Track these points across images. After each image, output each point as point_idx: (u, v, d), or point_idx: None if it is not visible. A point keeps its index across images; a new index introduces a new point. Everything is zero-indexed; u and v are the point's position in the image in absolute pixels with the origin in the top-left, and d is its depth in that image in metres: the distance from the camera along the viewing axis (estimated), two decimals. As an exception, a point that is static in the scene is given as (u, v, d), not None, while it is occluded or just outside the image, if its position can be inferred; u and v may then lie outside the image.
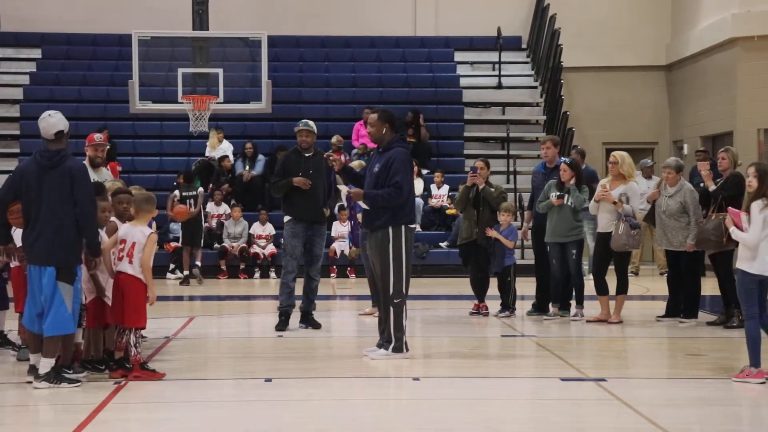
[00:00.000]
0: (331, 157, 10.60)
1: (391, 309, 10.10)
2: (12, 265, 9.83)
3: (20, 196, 8.95)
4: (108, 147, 11.47)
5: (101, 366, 9.34)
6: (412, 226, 10.26)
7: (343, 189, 11.01)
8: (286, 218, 12.29)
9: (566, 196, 12.97)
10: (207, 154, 22.28)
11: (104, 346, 9.44)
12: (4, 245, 9.30)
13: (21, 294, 9.52)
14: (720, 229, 12.21)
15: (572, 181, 13.00)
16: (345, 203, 11.82)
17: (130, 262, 9.16)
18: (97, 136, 11.18)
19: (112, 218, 9.45)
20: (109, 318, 9.41)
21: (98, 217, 9.28)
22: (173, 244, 20.12)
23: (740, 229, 9.12)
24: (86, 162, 10.89)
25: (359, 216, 10.85)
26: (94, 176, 10.56)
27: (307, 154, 12.26)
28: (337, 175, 11.82)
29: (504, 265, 13.52)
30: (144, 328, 9.35)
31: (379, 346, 10.25)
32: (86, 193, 8.87)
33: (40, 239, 8.80)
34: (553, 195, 12.99)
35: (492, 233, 13.35)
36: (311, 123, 12.44)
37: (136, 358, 9.13)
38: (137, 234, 9.21)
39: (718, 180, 12.65)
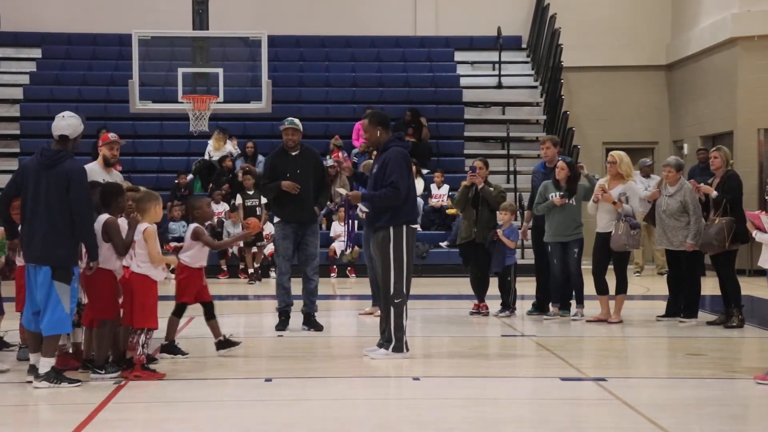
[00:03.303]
0: (342, 165, 10.56)
1: (392, 309, 10.09)
2: (18, 264, 9.83)
3: (21, 192, 8.97)
4: (122, 144, 11.42)
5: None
6: (414, 226, 10.22)
7: (342, 191, 10.97)
8: (276, 219, 12.27)
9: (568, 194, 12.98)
10: (210, 154, 22.28)
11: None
12: (10, 240, 9.32)
13: (23, 293, 9.55)
14: (722, 234, 12.21)
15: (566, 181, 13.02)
16: (344, 204, 11.79)
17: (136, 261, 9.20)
18: (111, 135, 11.12)
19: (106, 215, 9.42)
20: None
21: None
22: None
23: (763, 230, 9.13)
24: (99, 162, 10.87)
25: (360, 213, 10.81)
26: (106, 176, 10.55)
27: (293, 153, 12.13)
28: (340, 177, 11.80)
29: (504, 265, 13.52)
30: (155, 328, 9.34)
31: (380, 345, 10.25)
32: (81, 196, 8.85)
33: (35, 238, 8.81)
34: (556, 195, 12.97)
35: (500, 235, 13.33)
36: (297, 121, 12.29)
37: (139, 358, 9.12)
38: (135, 233, 9.23)
39: (709, 180, 12.67)
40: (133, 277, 9.18)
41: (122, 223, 9.34)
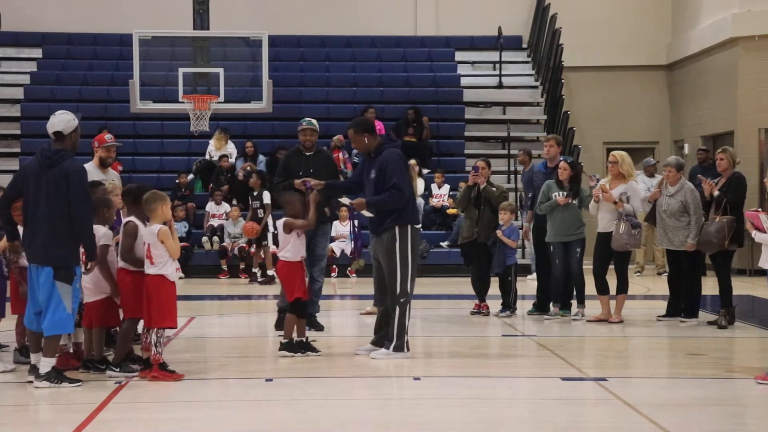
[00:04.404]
0: (312, 183, 10.50)
1: (397, 308, 10.11)
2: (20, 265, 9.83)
3: (22, 193, 8.98)
4: (119, 145, 11.49)
5: (102, 366, 9.36)
6: (417, 226, 10.27)
7: (345, 201, 10.96)
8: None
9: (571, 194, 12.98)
10: (211, 154, 22.28)
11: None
12: (11, 243, 9.32)
13: (16, 294, 9.64)
14: (722, 232, 12.21)
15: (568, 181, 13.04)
16: (347, 213, 11.78)
17: (152, 263, 9.13)
18: (108, 137, 11.19)
19: (132, 218, 9.44)
20: (113, 319, 9.50)
21: (108, 215, 9.38)
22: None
23: (763, 230, 9.14)
24: (96, 162, 10.92)
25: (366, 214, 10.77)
26: (102, 176, 10.59)
27: (308, 153, 12.16)
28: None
29: (505, 265, 13.53)
30: (173, 327, 9.33)
31: (373, 344, 10.31)
32: (81, 195, 8.84)
33: (36, 238, 8.81)
34: (559, 194, 12.97)
35: (500, 236, 13.34)
36: (314, 122, 12.29)
37: (156, 357, 9.10)
38: (148, 235, 9.20)
39: (715, 180, 12.68)
40: (151, 279, 9.14)
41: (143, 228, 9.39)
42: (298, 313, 10.32)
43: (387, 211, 10.12)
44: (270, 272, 18.87)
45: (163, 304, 9.11)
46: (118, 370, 9.21)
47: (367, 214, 10.39)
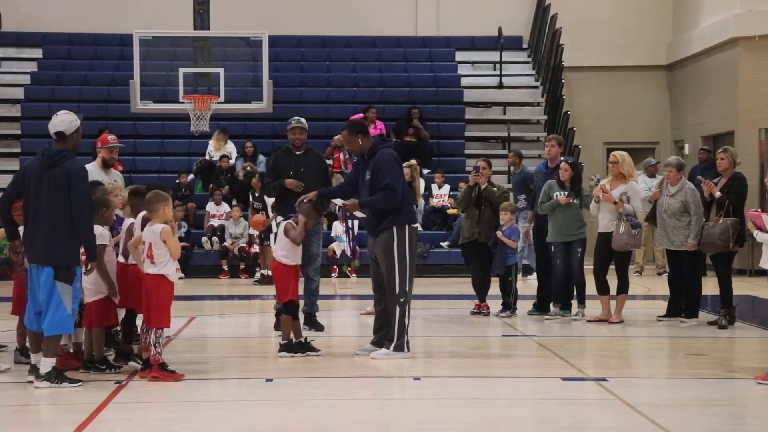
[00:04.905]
0: (306, 198, 10.47)
1: (397, 308, 10.11)
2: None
3: (23, 193, 8.98)
4: (121, 147, 11.51)
5: (102, 366, 9.36)
6: (414, 225, 10.29)
7: (338, 202, 10.95)
8: (279, 219, 12.23)
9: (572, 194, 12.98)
10: (211, 154, 22.28)
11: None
12: (11, 242, 9.32)
13: (18, 296, 9.64)
14: (727, 234, 12.21)
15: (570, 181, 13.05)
16: (341, 215, 11.75)
17: (152, 262, 9.11)
18: (111, 138, 11.20)
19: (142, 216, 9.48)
20: (113, 319, 9.51)
21: (107, 215, 9.39)
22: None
23: (764, 230, 9.14)
24: (98, 163, 10.94)
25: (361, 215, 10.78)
26: (105, 177, 10.60)
27: (297, 152, 12.12)
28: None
29: (506, 266, 13.52)
30: (168, 327, 9.32)
31: (373, 344, 10.31)
32: (82, 196, 8.85)
33: (37, 239, 8.82)
34: (561, 194, 12.96)
35: (500, 236, 13.34)
36: (303, 120, 12.26)
37: (155, 357, 9.09)
38: (149, 234, 9.19)
39: (715, 180, 12.68)
40: (151, 278, 9.13)
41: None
42: (293, 314, 10.33)
43: (384, 211, 10.13)
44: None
45: (161, 304, 9.11)
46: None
47: (359, 214, 10.41)
